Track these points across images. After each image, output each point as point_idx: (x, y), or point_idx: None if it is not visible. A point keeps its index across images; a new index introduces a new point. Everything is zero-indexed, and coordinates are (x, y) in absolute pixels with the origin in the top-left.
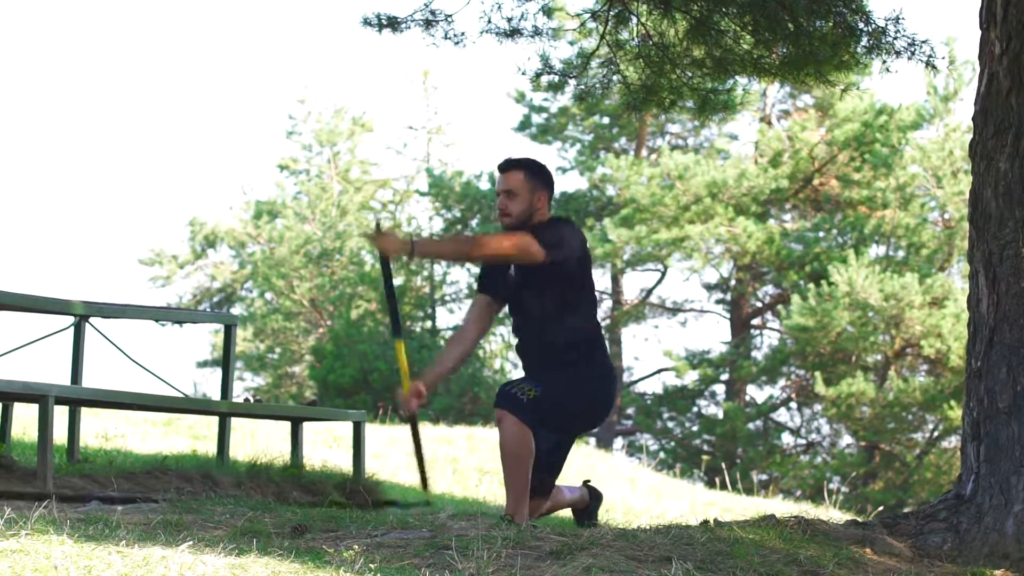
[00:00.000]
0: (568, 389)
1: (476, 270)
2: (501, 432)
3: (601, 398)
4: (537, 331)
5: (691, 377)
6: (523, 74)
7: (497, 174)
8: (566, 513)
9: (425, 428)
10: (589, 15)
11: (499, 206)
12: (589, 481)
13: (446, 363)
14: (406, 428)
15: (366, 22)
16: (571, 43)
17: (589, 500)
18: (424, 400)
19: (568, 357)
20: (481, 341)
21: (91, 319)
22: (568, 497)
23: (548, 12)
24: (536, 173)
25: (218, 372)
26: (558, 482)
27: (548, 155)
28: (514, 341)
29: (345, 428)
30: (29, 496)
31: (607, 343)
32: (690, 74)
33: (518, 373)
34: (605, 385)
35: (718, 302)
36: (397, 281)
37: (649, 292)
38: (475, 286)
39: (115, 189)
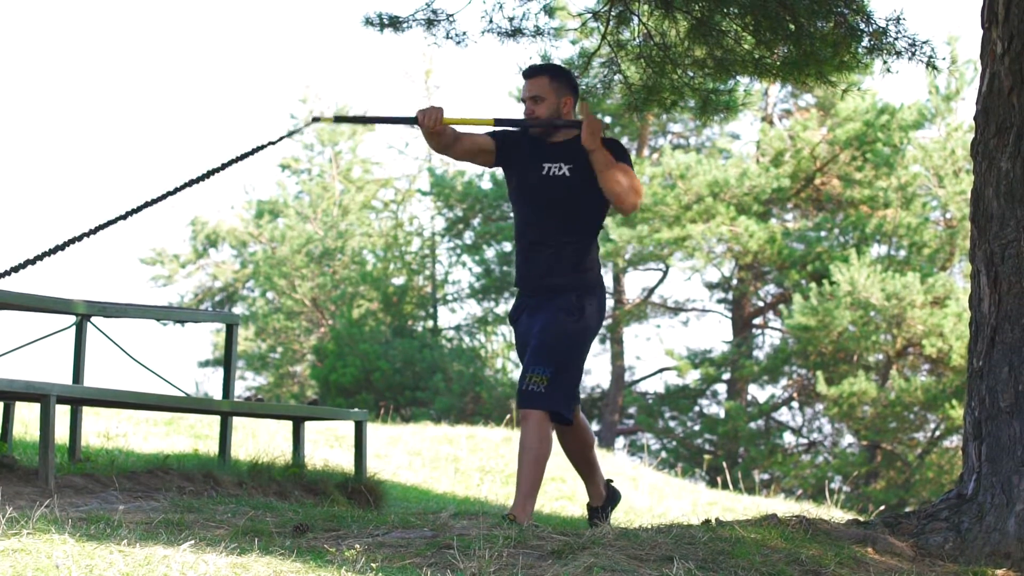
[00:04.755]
0: (574, 326)
1: (478, 268)
2: (523, 430)
3: (597, 323)
4: (563, 235)
5: (693, 376)
6: None
7: (522, 81)
8: (568, 512)
9: (426, 427)
10: (591, 15)
11: (526, 112)
12: (612, 481)
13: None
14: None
15: (368, 22)
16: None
17: (606, 497)
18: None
19: (582, 269)
20: (449, 158)
21: (93, 318)
22: (598, 468)
23: (550, 12)
24: (561, 77)
25: (220, 371)
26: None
27: None
28: (523, 238)
29: (347, 427)
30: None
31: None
32: (692, 74)
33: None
34: (600, 314)
35: (720, 301)
36: (398, 280)
37: (651, 291)
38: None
39: (116, 188)
